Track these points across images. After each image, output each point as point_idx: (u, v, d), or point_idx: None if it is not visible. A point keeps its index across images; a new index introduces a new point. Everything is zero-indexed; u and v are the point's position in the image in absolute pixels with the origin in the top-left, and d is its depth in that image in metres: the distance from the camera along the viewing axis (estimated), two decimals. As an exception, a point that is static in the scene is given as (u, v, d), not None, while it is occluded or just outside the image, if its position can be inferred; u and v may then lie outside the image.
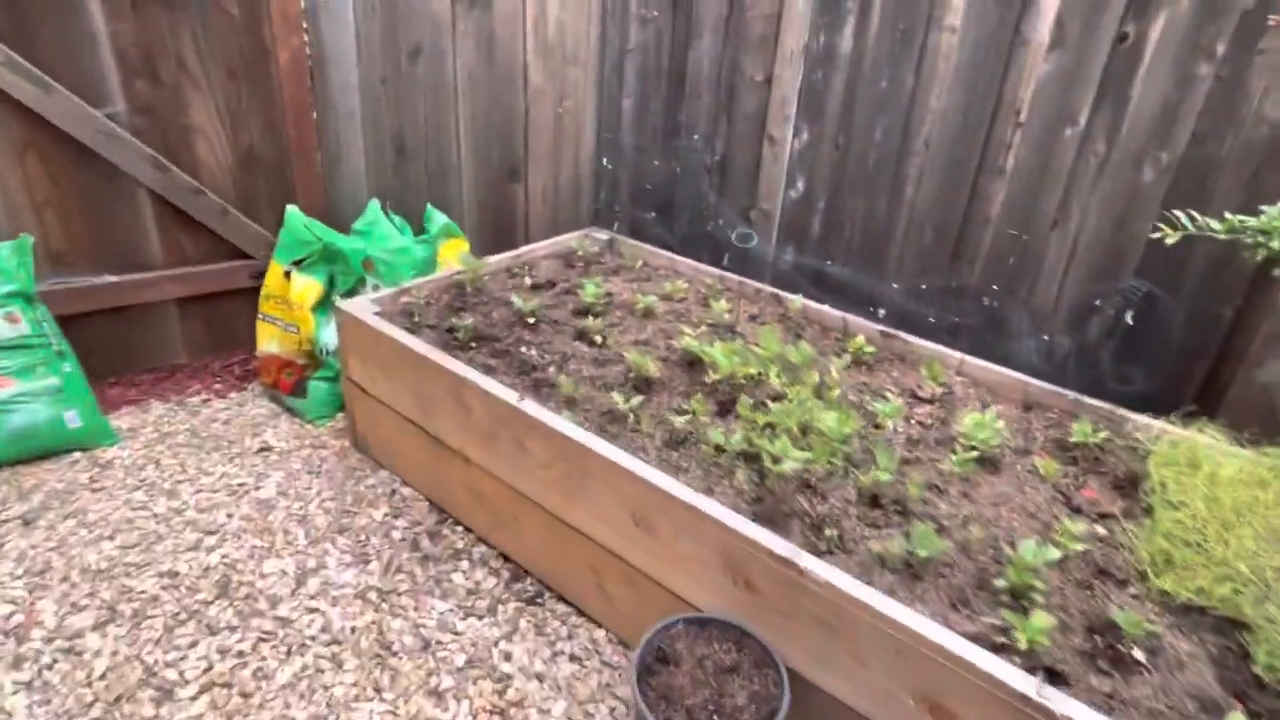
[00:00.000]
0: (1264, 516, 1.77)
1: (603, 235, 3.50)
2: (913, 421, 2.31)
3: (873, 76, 2.96)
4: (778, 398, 2.30)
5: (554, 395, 2.28)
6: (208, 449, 2.82)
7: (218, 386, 3.27)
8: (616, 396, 2.18)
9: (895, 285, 3.08)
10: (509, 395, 2.14)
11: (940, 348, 2.65)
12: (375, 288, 3.14)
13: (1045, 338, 2.65)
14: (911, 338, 2.70)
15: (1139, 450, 2.16)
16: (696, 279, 3.19)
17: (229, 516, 2.48)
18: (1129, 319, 2.28)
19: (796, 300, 2.85)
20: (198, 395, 3.17)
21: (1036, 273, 2.76)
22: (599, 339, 2.60)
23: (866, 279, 3.14)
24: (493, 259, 3.16)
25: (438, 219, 3.41)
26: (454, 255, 3.45)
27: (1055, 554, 1.70)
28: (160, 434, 2.87)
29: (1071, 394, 2.41)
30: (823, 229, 3.28)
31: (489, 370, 2.39)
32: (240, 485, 2.65)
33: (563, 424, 2.03)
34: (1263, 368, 2.43)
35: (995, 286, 2.83)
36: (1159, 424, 2.24)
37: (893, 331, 2.72)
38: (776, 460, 1.88)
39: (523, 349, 2.52)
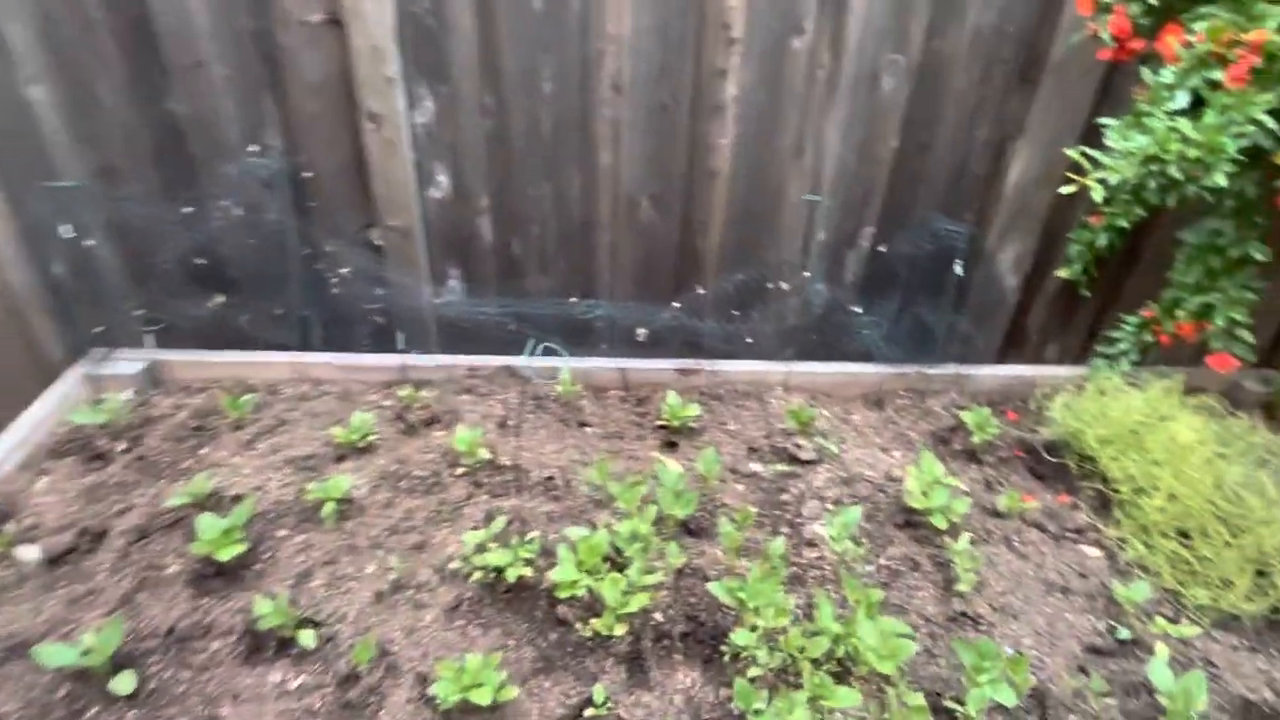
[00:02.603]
0: (1216, 466, 1.61)
1: (128, 366, 1.83)
2: (827, 503, 1.65)
3: (516, -4, 1.89)
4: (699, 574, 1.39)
5: None
6: None
7: None
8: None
9: (616, 289, 2.25)
10: None
11: (756, 366, 1.99)
12: None
13: (857, 311, 2.18)
14: (719, 364, 1.98)
15: (1040, 412, 1.88)
16: (361, 387, 1.89)
17: None
18: (958, 269, 1.91)
19: (563, 373, 1.85)
20: None
21: (798, 233, 2.23)
22: (306, 637, 1.26)
23: (579, 293, 2.24)
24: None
25: None
26: None
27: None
28: None
29: (913, 368, 2.02)
30: (498, 235, 2.21)
31: None
32: None
33: None
34: (998, 259, 2.36)
35: (764, 262, 2.23)
36: (1009, 371, 2.00)
37: (692, 365, 1.96)
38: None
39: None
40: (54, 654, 1.16)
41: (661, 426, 1.84)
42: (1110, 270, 2.30)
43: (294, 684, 1.21)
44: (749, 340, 2.11)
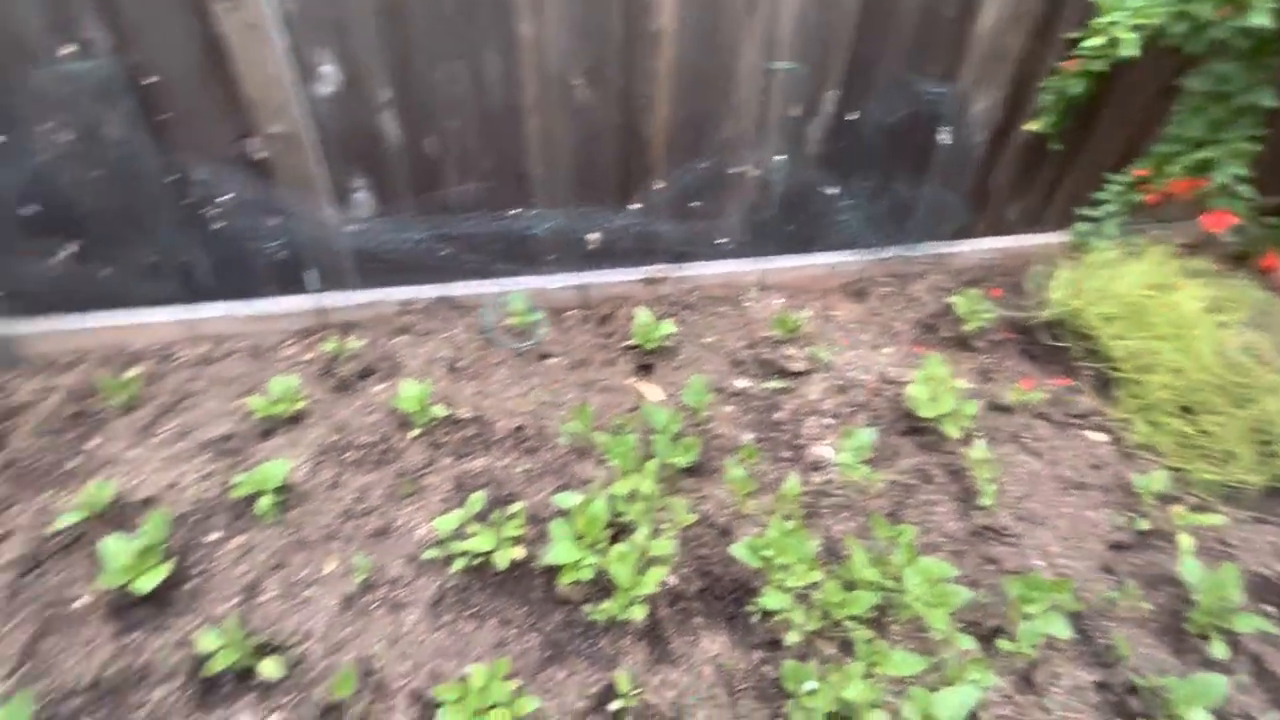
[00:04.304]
0: (1218, 335, 1.55)
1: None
2: (825, 418, 1.52)
3: None
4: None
5: None
6: None
7: None
8: None
9: (555, 189, 1.94)
10: None
11: (728, 266, 1.79)
12: None
13: (831, 192, 1.95)
14: (687, 268, 1.76)
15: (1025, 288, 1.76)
16: (274, 339, 1.59)
17: None
18: (945, 138, 1.71)
19: (514, 298, 1.60)
20: None
21: (754, 103, 1.95)
22: (269, 667, 1.07)
23: (511, 199, 1.92)
24: None
25: None
26: None
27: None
28: None
29: (893, 252, 1.86)
30: (407, 133, 1.85)
31: None
32: None
33: None
34: (968, 113, 2.17)
35: (722, 142, 1.95)
36: (993, 244, 1.86)
37: (658, 273, 1.74)
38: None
39: None
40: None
41: (632, 348, 1.64)
42: (1075, 123, 2.14)
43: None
44: (718, 240, 1.87)
